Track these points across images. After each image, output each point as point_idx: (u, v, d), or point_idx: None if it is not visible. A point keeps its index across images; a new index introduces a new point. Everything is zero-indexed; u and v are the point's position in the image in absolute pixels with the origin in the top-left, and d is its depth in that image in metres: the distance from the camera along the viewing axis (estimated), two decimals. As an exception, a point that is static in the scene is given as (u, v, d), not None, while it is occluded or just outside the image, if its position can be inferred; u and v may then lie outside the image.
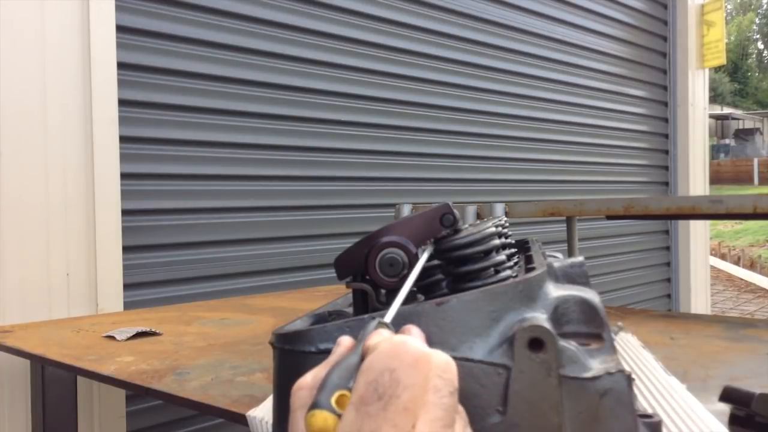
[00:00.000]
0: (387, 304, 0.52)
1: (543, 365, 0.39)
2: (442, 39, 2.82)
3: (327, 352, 0.41)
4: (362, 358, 0.33)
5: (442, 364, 0.33)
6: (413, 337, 0.35)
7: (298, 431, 0.32)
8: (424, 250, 0.52)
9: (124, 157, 1.84)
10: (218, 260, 2.10)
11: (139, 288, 1.90)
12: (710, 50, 4.24)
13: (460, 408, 0.35)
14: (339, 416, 0.30)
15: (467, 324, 0.41)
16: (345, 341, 0.38)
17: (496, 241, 0.53)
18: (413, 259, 0.51)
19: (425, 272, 0.54)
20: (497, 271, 0.53)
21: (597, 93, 3.70)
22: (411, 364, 0.31)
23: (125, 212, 1.84)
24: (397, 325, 0.39)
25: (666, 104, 4.23)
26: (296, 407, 0.33)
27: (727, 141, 28.42)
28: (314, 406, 0.30)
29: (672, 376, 0.71)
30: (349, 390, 0.31)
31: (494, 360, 0.40)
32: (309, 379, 0.35)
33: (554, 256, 0.61)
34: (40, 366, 1.44)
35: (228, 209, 2.13)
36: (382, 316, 0.39)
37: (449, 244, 0.52)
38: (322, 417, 0.29)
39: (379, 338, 0.35)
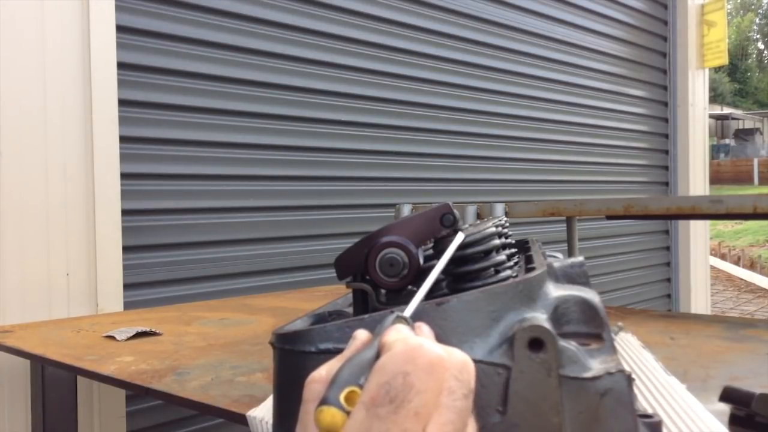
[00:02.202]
0: (387, 304, 0.52)
1: (543, 365, 0.39)
2: (442, 39, 2.82)
3: (327, 352, 0.41)
4: (378, 354, 0.33)
5: (459, 363, 0.32)
6: (430, 340, 0.34)
7: (308, 423, 0.32)
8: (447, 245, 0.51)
9: (124, 157, 1.84)
10: (218, 260, 2.10)
11: (139, 288, 1.90)
12: (711, 50, 4.24)
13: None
14: (348, 413, 0.30)
15: (467, 324, 0.41)
16: (361, 335, 0.38)
17: (496, 241, 0.53)
18: (413, 259, 0.51)
19: (424, 272, 0.53)
20: (497, 271, 0.53)
21: (597, 93, 3.70)
22: (425, 368, 0.31)
23: (125, 212, 1.84)
24: None
25: (666, 104, 4.23)
26: (308, 399, 0.33)
27: (727, 141, 28.40)
28: (323, 402, 0.30)
29: (672, 376, 0.71)
30: (360, 387, 0.31)
31: (494, 360, 0.40)
32: (324, 372, 0.34)
33: (554, 256, 0.61)
34: (40, 366, 1.44)
35: (228, 209, 2.13)
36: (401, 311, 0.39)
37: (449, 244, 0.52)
38: (330, 413, 0.29)
39: (396, 336, 0.34)
